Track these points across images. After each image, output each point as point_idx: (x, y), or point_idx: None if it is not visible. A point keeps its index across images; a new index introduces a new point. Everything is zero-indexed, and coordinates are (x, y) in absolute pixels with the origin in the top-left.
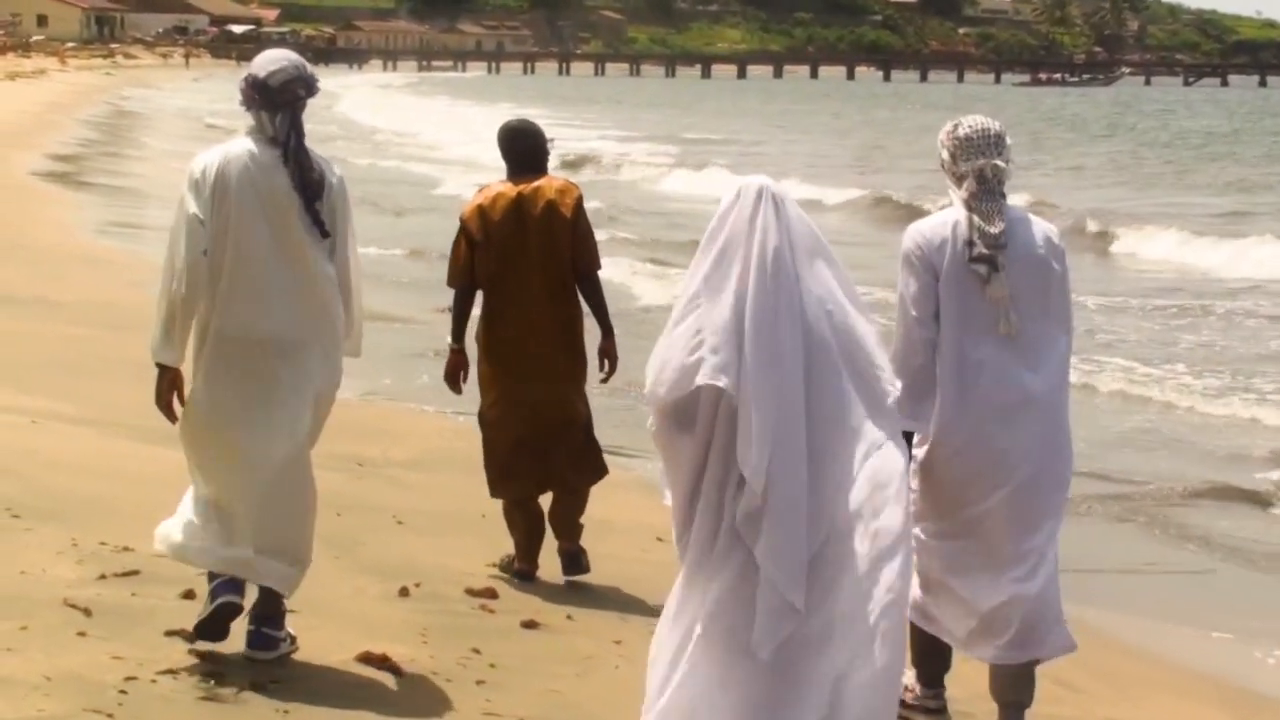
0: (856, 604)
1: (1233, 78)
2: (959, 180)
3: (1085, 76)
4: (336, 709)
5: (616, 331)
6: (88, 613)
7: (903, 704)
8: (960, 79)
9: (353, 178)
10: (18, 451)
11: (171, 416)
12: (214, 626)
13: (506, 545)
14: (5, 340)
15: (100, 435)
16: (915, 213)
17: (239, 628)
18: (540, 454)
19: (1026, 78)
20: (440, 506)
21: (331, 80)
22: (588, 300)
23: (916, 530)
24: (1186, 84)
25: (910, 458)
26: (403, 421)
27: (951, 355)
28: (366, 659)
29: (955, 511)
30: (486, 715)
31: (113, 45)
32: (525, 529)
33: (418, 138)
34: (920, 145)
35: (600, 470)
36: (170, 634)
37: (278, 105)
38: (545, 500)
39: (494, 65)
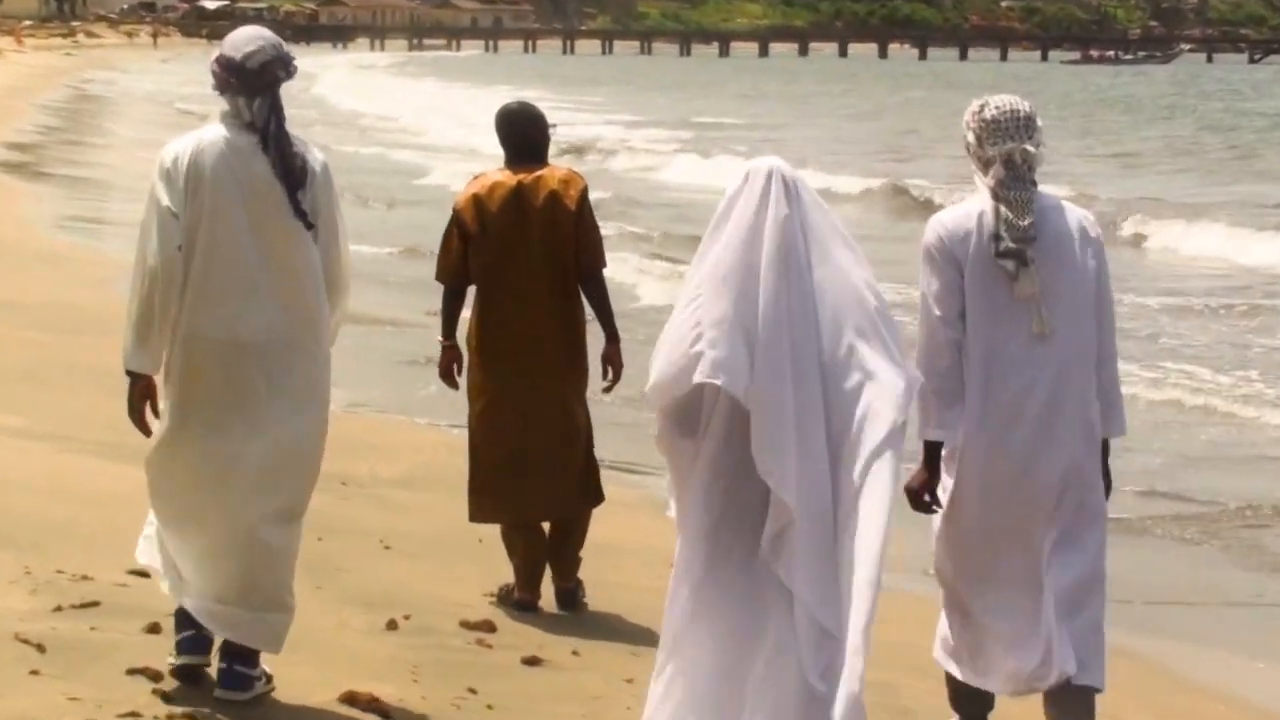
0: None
1: None
2: (985, 166)
3: (1140, 54)
4: None
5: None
6: (41, 649)
7: None
8: (1003, 57)
9: (335, 167)
10: None
11: (145, 429)
12: (183, 674)
13: (505, 573)
14: None
15: (58, 451)
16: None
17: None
18: (533, 474)
19: (1076, 55)
20: (433, 529)
21: (310, 60)
22: (591, 301)
23: (944, 554)
24: (1252, 61)
25: (937, 471)
26: (392, 435)
27: (979, 357)
28: (351, 699)
29: (986, 525)
30: None
31: (74, 23)
32: (526, 554)
33: (403, 123)
34: (958, 130)
35: (597, 495)
36: (132, 672)
37: (256, 89)
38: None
39: (491, 43)
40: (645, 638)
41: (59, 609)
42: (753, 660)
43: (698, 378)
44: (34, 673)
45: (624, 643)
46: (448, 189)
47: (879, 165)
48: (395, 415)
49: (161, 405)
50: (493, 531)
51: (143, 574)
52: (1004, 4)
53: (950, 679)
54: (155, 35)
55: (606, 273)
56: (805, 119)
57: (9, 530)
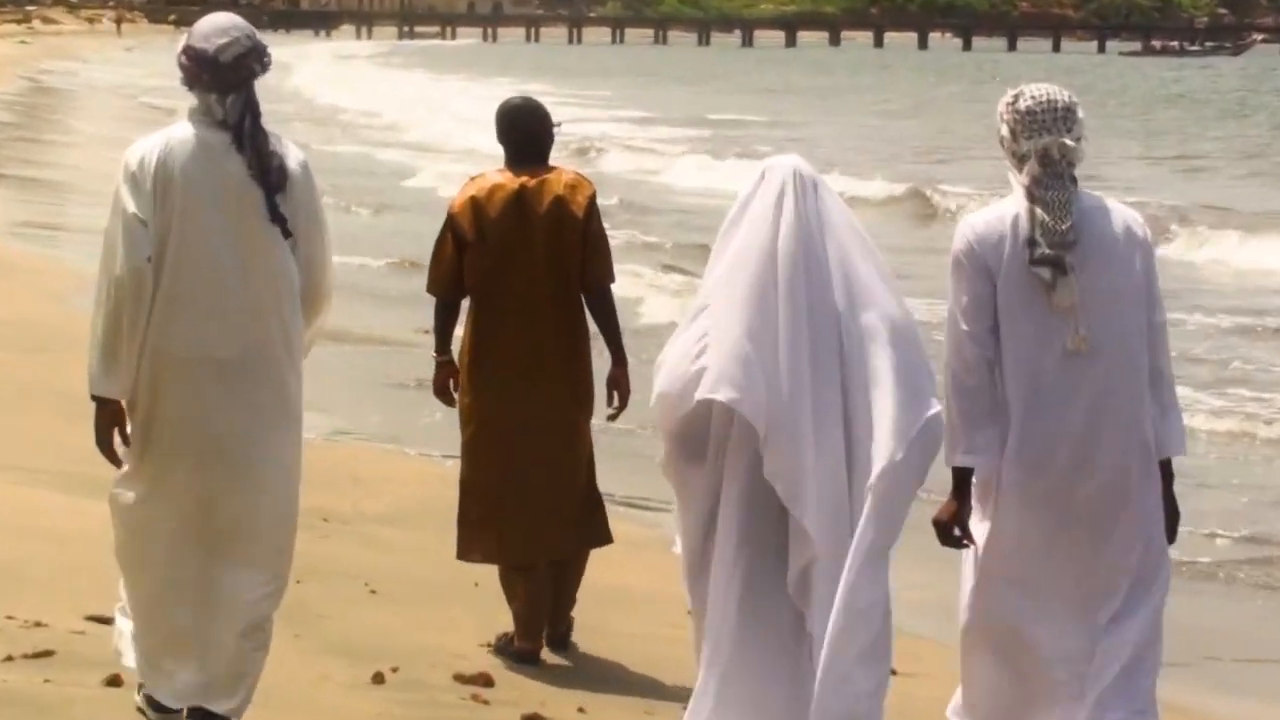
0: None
1: None
2: (1020, 163)
3: (1208, 44)
4: None
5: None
6: None
7: None
8: (1056, 47)
9: (314, 168)
10: None
11: (114, 459)
12: None
13: (504, 619)
14: None
15: (13, 483)
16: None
17: None
18: (531, 509)
19: (1137, 46)
20: (424, 571)
21: (286, 50)
22: (597, 319)
23: (978, 600)
24: None
25: (967, 500)
26: (378, 466)
27: (1013, 376)
28: None
29: (1025, 569)
30: None
31: (29, 8)
32: (528, 598)
33: (389, 118)
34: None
35: (603, 535)
36: None
37: (230, 84)
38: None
39: (489, 31)
40: (658, 691)
41: (9, 659)
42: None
43: (701, 393)
44: None
45: (636, 695)
46: (435, 192)
47: (912, 168)
48: (382, 444)
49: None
50: (489, 573)
51: (103, 620)
52: None
53: None
54: (119, 21)
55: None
56: (833, 116)
57: None
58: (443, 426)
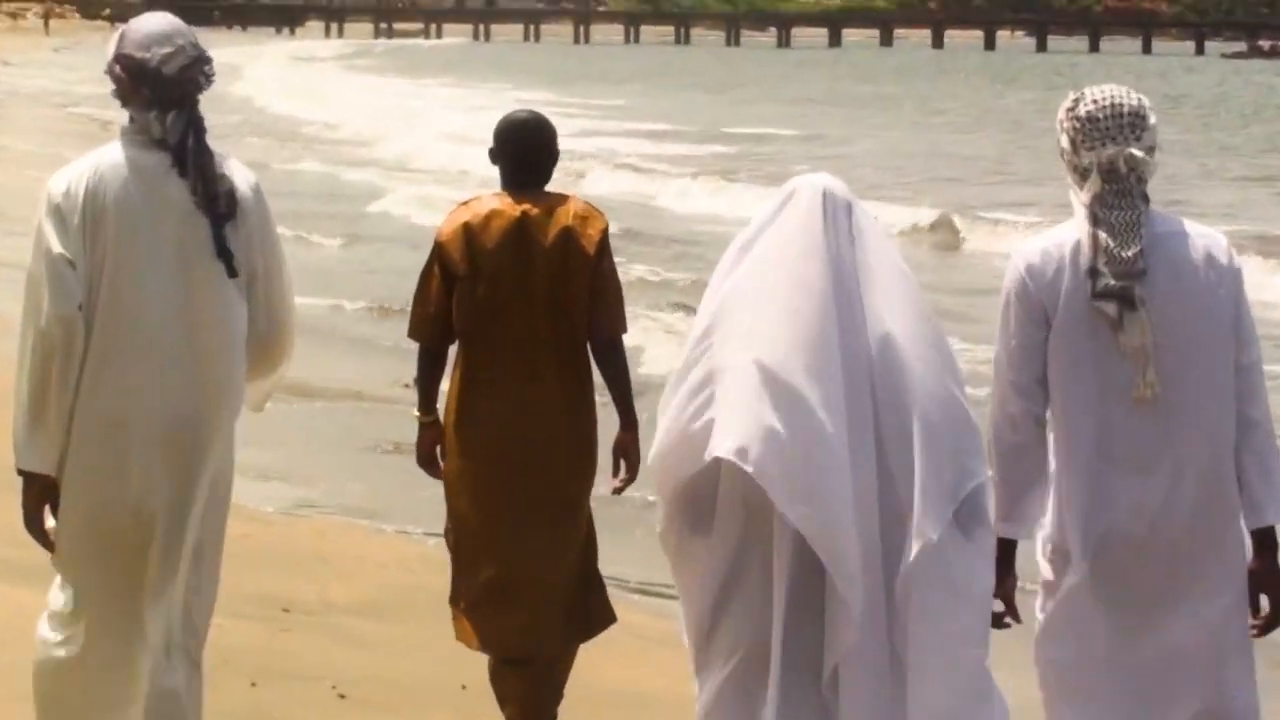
0: None
1: None
2: (1081, 178)
3: None
4: None
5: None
6: None
7: None
8: (1146, 48)
9: (280, 192)
10: None
11: (47, 541)
12: None
13: None
14: None
15: None
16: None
17: None
18: (529, 594)
19: (1242, 46)
20: (401, 672)
21: (235, 50)
22: (605, 372)
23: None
24: None
25: (1010, 574)
26: (350, 545)
27: (1069, 434)
28: None
29: (1090, 649)
30: None
31: None
32: (521, 699)
33: (350, 131)
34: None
35: (606, 616)
36: None
37: (173, 100)
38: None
39: (481, 28)
40: None
41: None
42: None
43: (712, 453)
44: None
45: None
46: (409, 219)
47: (969, 191)
48: (355, 519)
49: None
50: (479, 674)
51: None
52: None
53: None
54: (47, 17)
55: None
56: (880, 130)
57: None
58: (426, 498)
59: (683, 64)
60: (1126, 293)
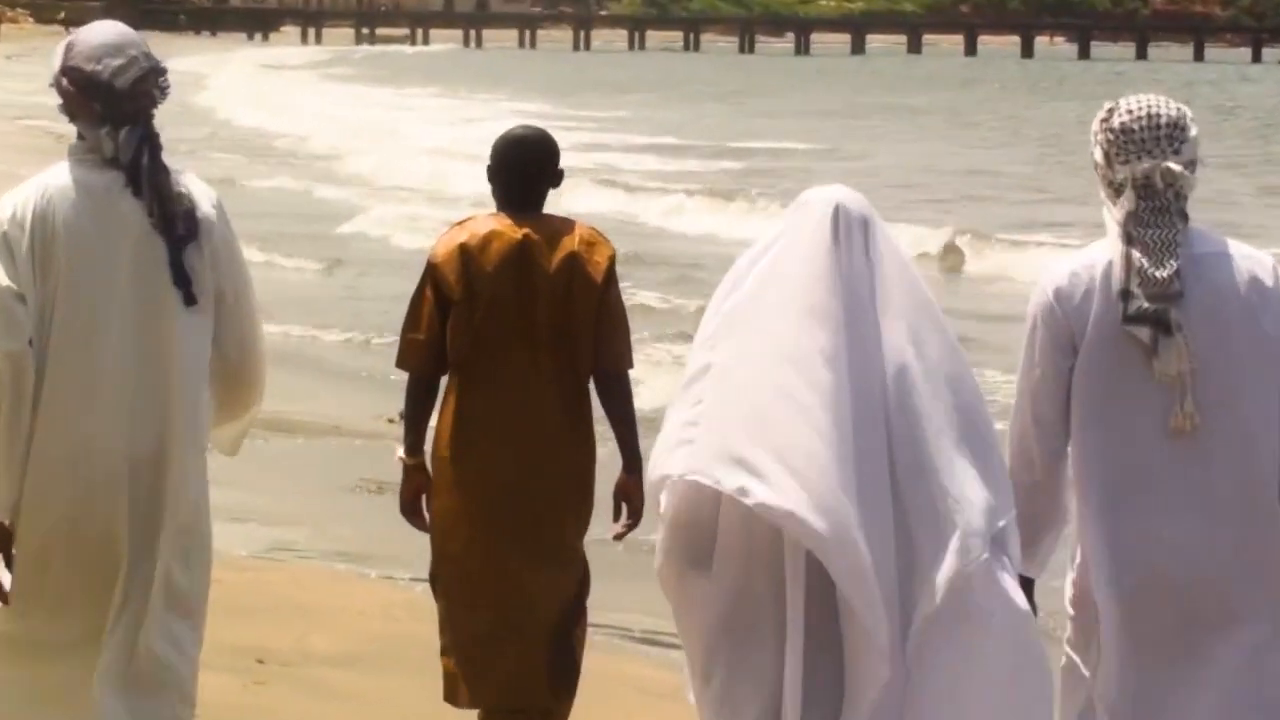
0: None
1: None
2: (1115, 193)
3: None
4: None
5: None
6: None
7: None
8: (1198, 54)
9: (250, 212)
10: None
11: (2, 595)
12: None
13: None
14: None
15: None
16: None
17: None
18: (529, 639)
19: None
20: None
21: (199, 59)
22: (609, 409)
23: None
24: None
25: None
26: (330, 592)
27: (1098, 469)
28: None
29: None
30: None
31: None
32: None
33: (319, 145)
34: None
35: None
36: None
37: (127, 115)
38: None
39: (473, 33)
40: None
41: None
42: None
43: (688, 472)
44: None
45: None
46: (389, 241)
47: (992, 212)
48: (335, 563)
49: None
50: None
51: None
52: None
53: None
54: None
55: None
56: (905, 145)
57: None
58: (411, 541)
59: (691, 72)
60: (1161, 316)
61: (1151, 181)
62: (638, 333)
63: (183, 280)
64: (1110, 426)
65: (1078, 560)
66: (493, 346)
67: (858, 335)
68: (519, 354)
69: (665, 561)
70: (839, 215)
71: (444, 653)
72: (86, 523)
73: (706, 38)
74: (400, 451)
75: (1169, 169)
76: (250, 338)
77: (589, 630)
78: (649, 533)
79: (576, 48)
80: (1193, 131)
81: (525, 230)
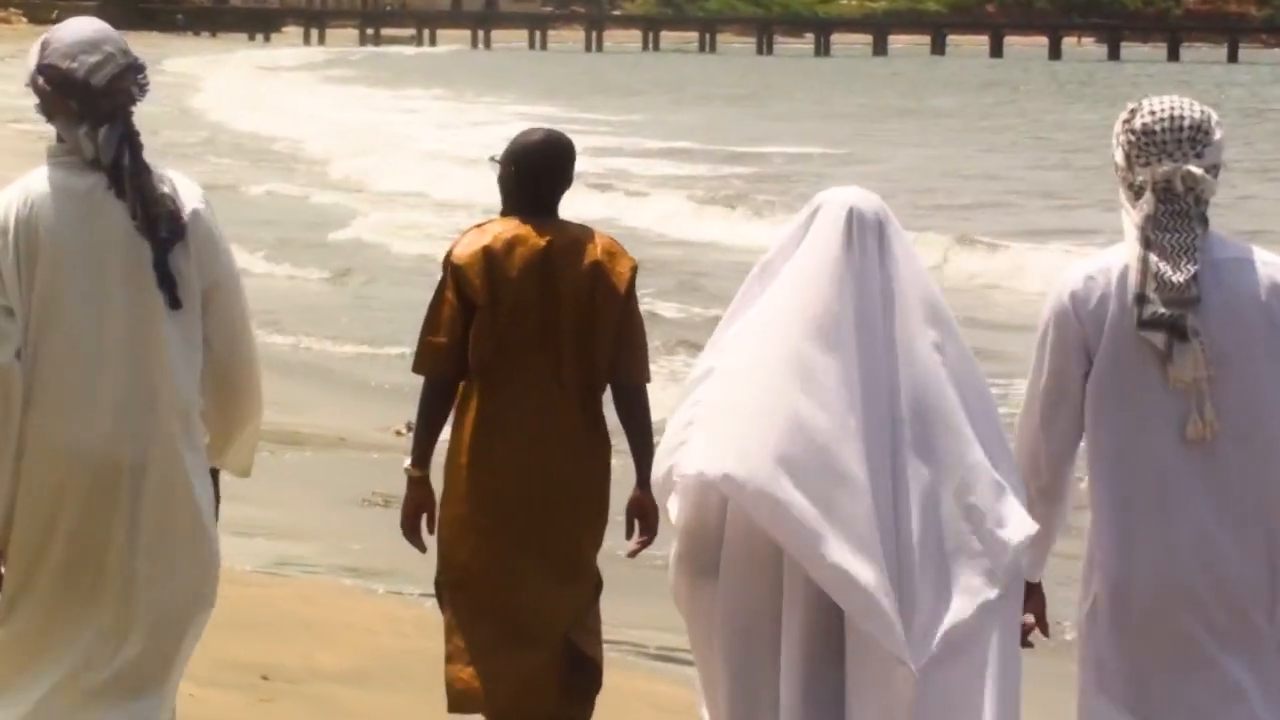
0: None
1: None
2: (1135, 196)
3: None
4: None
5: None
6: None
7: None
8: (1232, 56)
9: (250, 219)
10: None
11: None
12: None
13: None
14: None
15: None
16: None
17: None
18: (538, 645)
19: None
20: None
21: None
22: (627, 422)
23: None
24: None
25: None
26: (336, 607)
27: (1111, 476)
28: None
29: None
30: None
31: None
32: None
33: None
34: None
35: (599, 676)
36: None
37: (105, 113)
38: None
39: (481, 34)
40: None
41: None
42: None
43: (684, 468)
44: None
45: None
46: (384, 250)
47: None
48: (341, 578)
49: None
50: None
51: None
52: None
53: None
54: None
55: None
56: (925, 149)
57: None
58: (419, 557)
59: (707, 74)
60: (1177, 322)
61: (1171, 185)
62: (654, 342)
63: (167, 283)
64: (1126, 432)
65: (1091, 565)
66: (514, 354)
67: (868, 340)
68: (539, 362)
69: (676, 570)
70: (852, 219)
71: (449, 660)
72: (80, 530)
73: (723, 38)
74: (407, 462)
75: (1189, 172)
76: (238, 333)
77: (604, 646)
78: (663, 548)
79: (589, 49)
80: (1217, 135)
81: (548, 237)
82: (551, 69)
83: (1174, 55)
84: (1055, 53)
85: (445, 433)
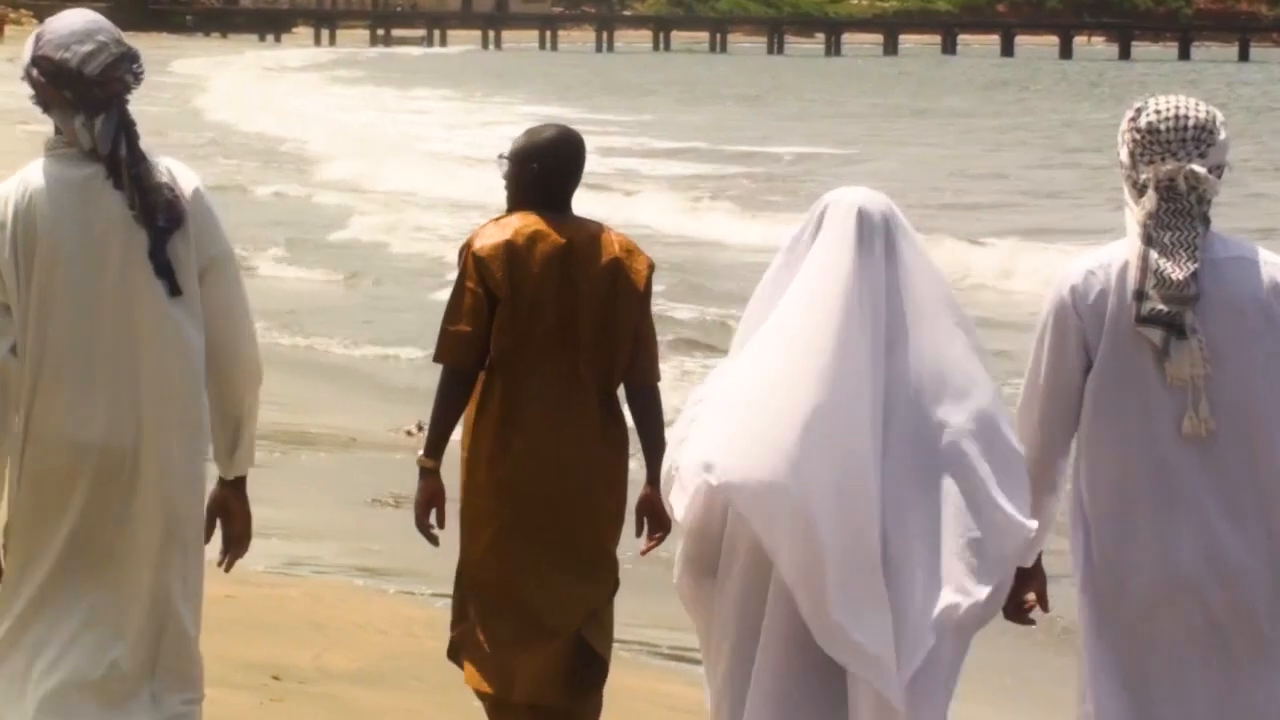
0: None
1: None
2: (1138, 194)
3: None
4: None
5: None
6: None
7: None
8: (1243, 55)
9: (258, 220)
10: None
11: None
12: None
13: None
14: None
15: None
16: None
17: None
18: (554, 635)
19: None
20: None
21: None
22: (640, 421)
23: None
24: None
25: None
26: (347, 608)
27: (1106, 472)
28: None
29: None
30: None
31: None
32: None
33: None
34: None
35: (605, 663)
36: None
37: (99, 103)
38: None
39: (491, 35)
40: None
41: None
42: None
43: (686, 471)
44: None
45: None
46: (385, 249)
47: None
48: (352, 578)
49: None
50: None
51: None
52: None
53: None
54: (1, 23)
55: None
56: (933, 150)
57: None
58: (431, 557)
59: (717, 74)
60: (1175, 319)
61: (1175, 183)
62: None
63: (165, 271)
64: (1123, 428)
65: (1086, 564)
66: (533, 348)
67: (876, 339)
68: (558, 358)
69: (682, 570)
70: (861, 219)
71: (462, 649)
72: (85, 517)
73: (733, 38)
74: (419, 452)
75: (1193, 171)
76: (235, 305)
77: (614, 646)
78: (674, 547)
79: (599, 49)
80: (1221, 135)
81: (570, 235)
82: (562, 69)
83: (1185, 54)
84: (1066, 52)
85: (455, 433)
